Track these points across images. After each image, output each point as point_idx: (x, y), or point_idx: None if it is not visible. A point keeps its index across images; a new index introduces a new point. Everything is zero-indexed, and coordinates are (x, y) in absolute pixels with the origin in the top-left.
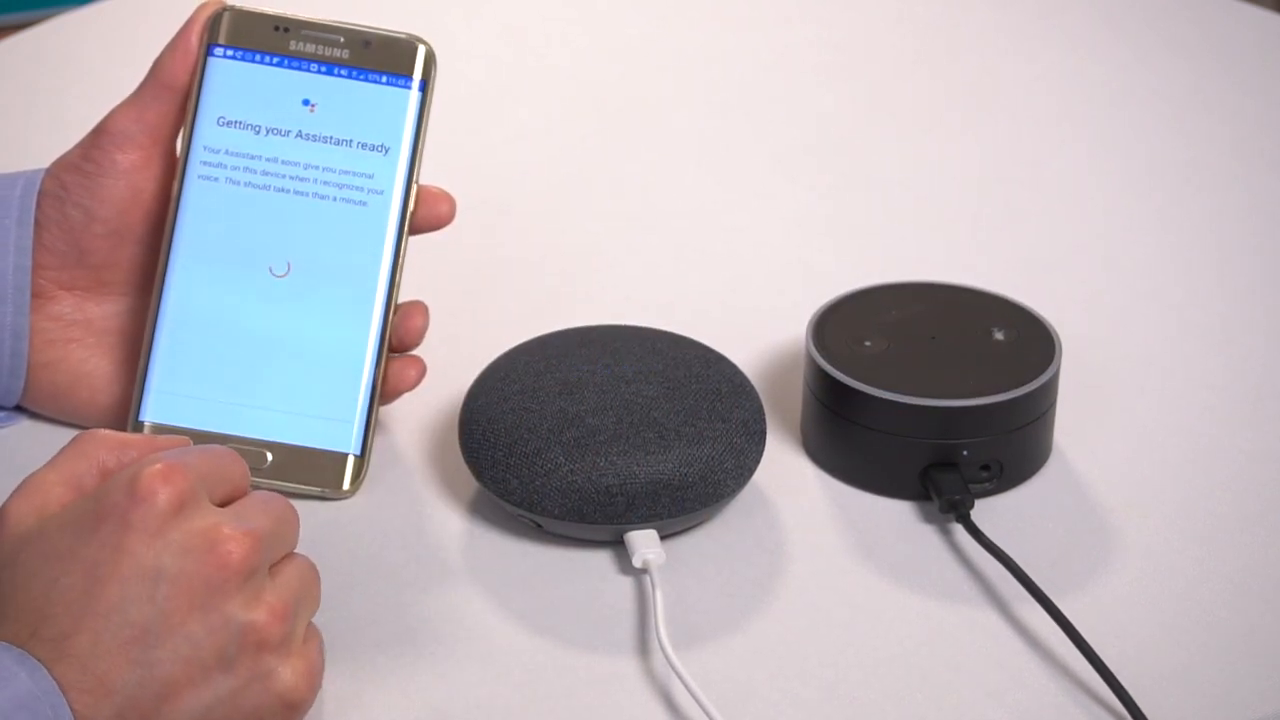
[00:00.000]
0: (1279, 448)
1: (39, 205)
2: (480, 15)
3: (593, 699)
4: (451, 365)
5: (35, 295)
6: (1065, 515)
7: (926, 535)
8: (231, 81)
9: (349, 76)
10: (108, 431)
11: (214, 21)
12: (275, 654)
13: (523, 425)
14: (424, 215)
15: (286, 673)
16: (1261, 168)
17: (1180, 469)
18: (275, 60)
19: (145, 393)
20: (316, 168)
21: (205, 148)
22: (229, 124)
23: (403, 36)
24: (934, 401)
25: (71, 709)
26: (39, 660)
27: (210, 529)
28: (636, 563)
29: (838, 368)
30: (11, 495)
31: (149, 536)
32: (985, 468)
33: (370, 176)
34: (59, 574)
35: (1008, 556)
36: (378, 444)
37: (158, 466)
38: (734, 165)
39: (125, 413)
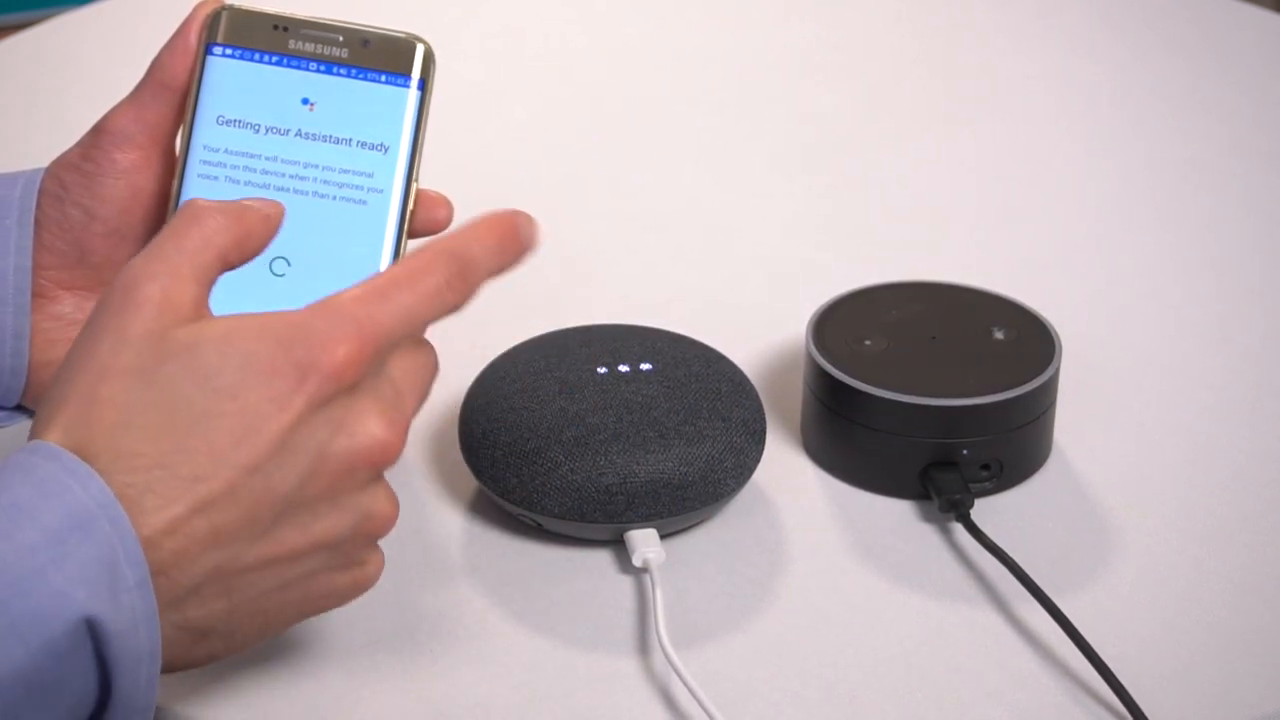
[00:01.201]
0: (1278, 448)
1: (39, 205)
2: (480, 15)
3: (593, 698)
4: (451, 365)
5: (36, 295)
6: (1065, 515)
7: (926, 535)
8: (230, 80)
9: (348, 75)
10: (209, 211)
11: (212, 20)
12: (374, 547)
13: (522, 425)
14: (421, 219)
15: (372, 565)
16: (1261, 168)
17: (1180, 469)
18: (274, 59)
19: None
20: (316, 166)
21: (205, 146)
22: (228, 123)
23: (402, 35)
24: (934, 401)
25: (136, 531)
26: (96, 472)
27: (371, 417)
28: (636, 562)
29: (838, 367)
30: (147, 279)
31: (319, 406)
32: (985, 467)
33: (370, 175)
34: (215, 413)
35: (1008, 556)
36: None
37: (353, 333)
38: (733, 165)
39: None
